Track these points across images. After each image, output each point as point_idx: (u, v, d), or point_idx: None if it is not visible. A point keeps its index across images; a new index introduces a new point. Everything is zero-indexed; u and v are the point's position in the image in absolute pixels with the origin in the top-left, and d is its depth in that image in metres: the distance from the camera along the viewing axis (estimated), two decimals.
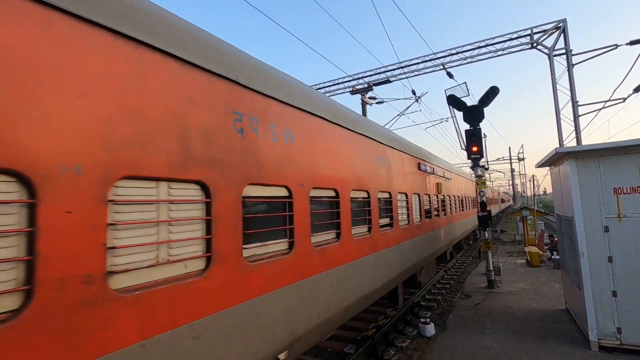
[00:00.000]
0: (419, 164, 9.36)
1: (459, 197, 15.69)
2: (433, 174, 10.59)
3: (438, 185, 10.94)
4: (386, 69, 17.70)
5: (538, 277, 12.60)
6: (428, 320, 7.83)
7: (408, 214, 8.30)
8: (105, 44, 2.28)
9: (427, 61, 16.65)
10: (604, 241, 6.37)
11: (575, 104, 13.52)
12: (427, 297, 10.46)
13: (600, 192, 6.46)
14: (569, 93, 13.67)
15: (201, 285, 2.79)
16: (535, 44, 14.45)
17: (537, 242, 19.16)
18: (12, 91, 1.81)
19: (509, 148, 47.62)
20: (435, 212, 10.79)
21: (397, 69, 17.46)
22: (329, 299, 4.57)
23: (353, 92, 17.23)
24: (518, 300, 9.79)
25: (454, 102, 12.18)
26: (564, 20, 13.80)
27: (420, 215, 9.06)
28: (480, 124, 11.72)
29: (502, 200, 64.81)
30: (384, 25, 12.10)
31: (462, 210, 16.40)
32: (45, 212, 1.87)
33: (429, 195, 9.97)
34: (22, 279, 1.84)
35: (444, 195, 11.83)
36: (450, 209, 13.33)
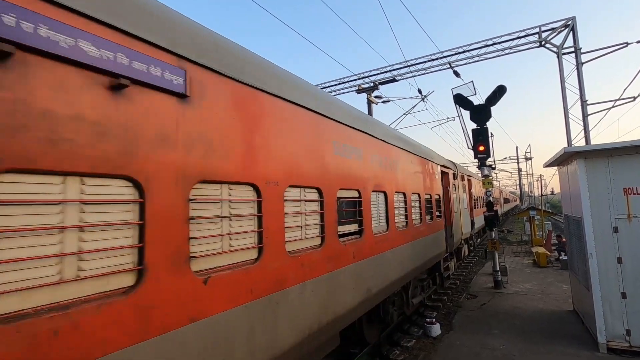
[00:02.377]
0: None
1: (394, 198, 6.74)
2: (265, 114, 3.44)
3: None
4: (392, 68, 17.62)
5: (545, 278, 12.48)
6: (434, 320, 7.80)
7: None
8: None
9: (433, 60, 16.56)
10: (613, 242, 6.29)
11: (584, 103, 13.36)
12: (432, 297, 10.44)
13: (610, 193, 6.38)
14: (577, 92, 13.50)
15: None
16: (543, 42, 14.28)
17: (544, 242, 18.98)
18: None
19: (516, 147, 47.22)
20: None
21: (404, 67, 17.38)
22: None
23: (359, 91, 17.18)
24: (525, 301, 9.72)
25: (461, 101, 12.11)
26: (573, 18, 13.62)
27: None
28: (487, 123, 11.66)
29: (506, 200, 62.38)
30: (390, 23, 12.02)
31: (402, 225, 7.09)
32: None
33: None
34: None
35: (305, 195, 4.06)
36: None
